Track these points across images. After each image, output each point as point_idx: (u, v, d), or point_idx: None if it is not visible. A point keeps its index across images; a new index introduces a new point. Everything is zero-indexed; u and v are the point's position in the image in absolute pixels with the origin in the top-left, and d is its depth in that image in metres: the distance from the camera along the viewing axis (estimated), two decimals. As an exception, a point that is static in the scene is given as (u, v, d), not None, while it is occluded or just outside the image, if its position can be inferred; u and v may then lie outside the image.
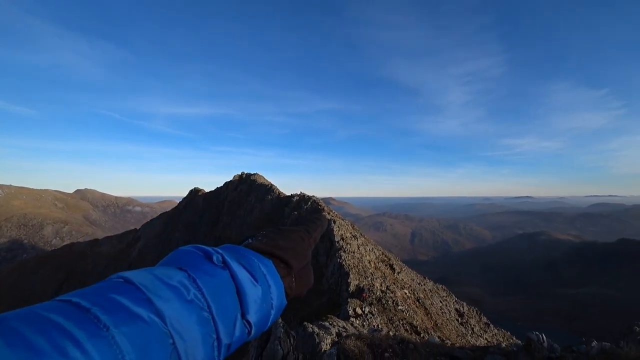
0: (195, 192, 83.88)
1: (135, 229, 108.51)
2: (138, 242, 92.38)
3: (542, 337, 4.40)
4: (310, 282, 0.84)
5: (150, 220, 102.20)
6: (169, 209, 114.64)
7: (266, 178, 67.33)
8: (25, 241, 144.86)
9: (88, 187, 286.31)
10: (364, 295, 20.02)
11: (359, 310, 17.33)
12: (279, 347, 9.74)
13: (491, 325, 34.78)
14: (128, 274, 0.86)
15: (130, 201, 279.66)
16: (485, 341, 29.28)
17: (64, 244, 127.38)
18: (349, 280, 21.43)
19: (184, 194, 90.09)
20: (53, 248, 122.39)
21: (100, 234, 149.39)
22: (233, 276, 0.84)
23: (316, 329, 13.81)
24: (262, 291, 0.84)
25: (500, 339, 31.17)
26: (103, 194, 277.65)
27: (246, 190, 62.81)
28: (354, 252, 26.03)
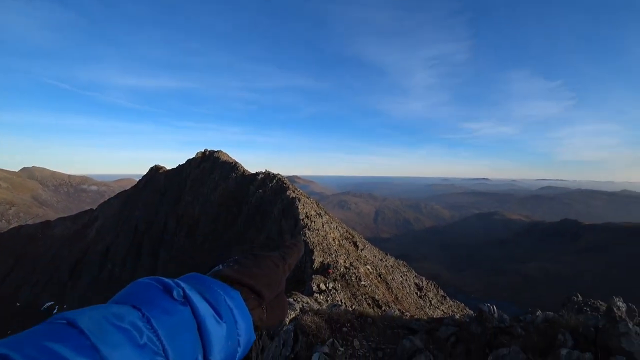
0: (155, 170, 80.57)
1: (92, 209, 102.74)
2: (95, 222, 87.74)
3: (493, 309, 4.63)
4: (285, 312, 0.75)
5: (108, 199, 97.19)
6: (127, 187, 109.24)
7: (230, 155, 66.40)
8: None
9: (36, 165, 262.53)
10: (330, 271, 20.44)
11: (322, 286, 17.71)
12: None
13: (447, 298, 37.27)
14: (73, 314, 0.73)
15: (84, 180, 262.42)
16: (442, 312, 31.34)
17: (11, 226, 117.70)
18: (313, 257, 21.76)
19: (144, 171, 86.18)
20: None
21: (52, 215, 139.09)
22: (194, 313, 0.74)
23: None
24: (228, 328, 0.75)
25: (455, 310, 33.53)
26: (54, 172, 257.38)
27: (209, 167, 61.35)
28: (318, 230, 26.37)
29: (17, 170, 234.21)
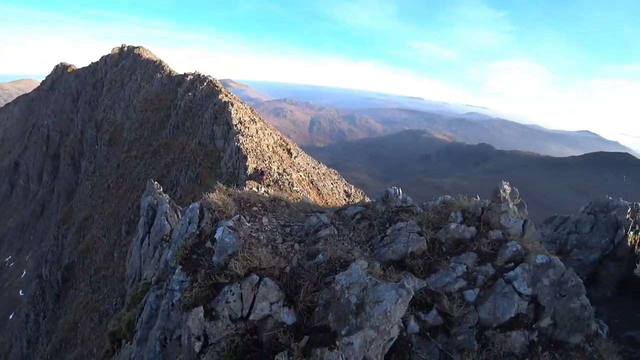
0: (63, 69, 68.61)
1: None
2: (-7, 133, 75.39)
3: (398, 191, 5.05)
4: None
5: (6, 105, 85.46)
6: (28, 90, 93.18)
7: (153, 53, 58.36)
8: None
9: None
10: (264, 177, 20.87)
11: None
12: (166, 223, 9.43)
13: (372, 205, 41.91)
14: None
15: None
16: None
17: None
18: (247, 163, 21.75)
19: (47, 71, 73.01)
20: None
21: None
22: None
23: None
24: None
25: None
26: None
27: (129, 66, 54.31)
28: (252, 136, 25.95)
29: None
